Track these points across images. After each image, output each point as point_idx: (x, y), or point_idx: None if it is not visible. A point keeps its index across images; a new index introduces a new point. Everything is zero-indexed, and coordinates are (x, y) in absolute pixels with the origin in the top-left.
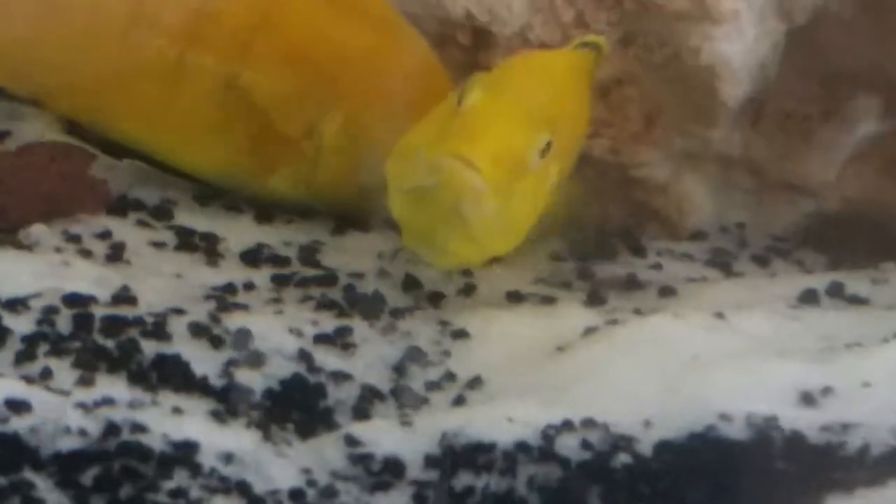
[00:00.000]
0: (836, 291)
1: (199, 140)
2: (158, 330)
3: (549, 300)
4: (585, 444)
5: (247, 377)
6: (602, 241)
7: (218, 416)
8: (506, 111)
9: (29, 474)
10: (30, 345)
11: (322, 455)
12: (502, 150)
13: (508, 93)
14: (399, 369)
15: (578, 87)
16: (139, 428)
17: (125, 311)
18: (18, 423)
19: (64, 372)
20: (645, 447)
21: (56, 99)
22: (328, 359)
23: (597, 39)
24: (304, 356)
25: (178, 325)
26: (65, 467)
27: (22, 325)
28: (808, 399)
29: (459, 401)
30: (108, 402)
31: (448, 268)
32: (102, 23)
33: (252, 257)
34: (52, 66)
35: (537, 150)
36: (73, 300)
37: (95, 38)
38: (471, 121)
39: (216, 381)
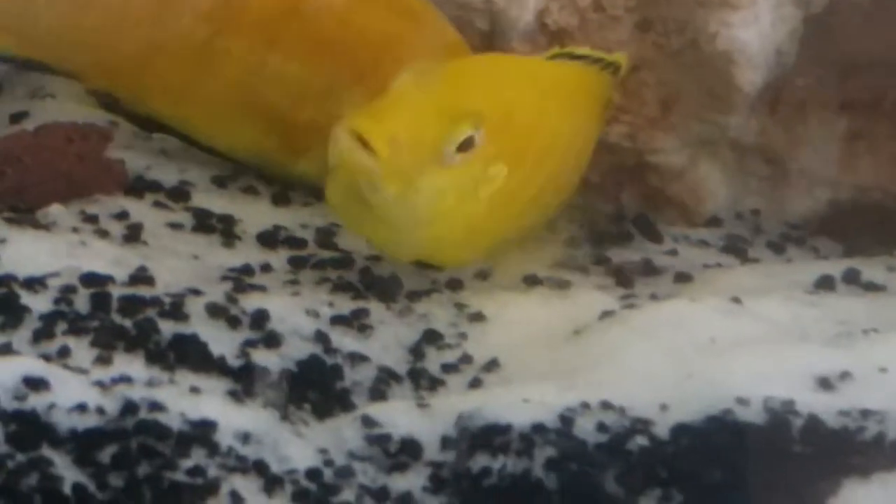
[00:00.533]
0: (852, 278)
1: (227, 121)
2: (176, 310)
3: (565, 284)
4: (602, 427)
5: (264, 358)
6: (618, 226)
7: (235, 396)
8: (420, 99)
9: (47, 451)
10: (48, 323)
11: (339, 435)
12: (403, 133)
13: (434, 83)
14: (415, 351)
15: (562, 99)
16: (157, 407)
17: (143, 291)
18: (36, 401)
19: (82, 351)
20: (661, 430)
21: (93, 75)
22: (345, 340)
23: (617, 58)
24: (320, 337)
25: (195, 306)
26: (82, 445)
27: (40, 303)
28: (825, 384)
29: (476, 383)
30: (125, 380)
31: (394, 257)
32: (137, 4)
33: (269, 239)
34: (89, 45)
35: (452, 143)
36: (90, 280)
37: (130, 19)
38: (381, 103)
39: (233, 362)
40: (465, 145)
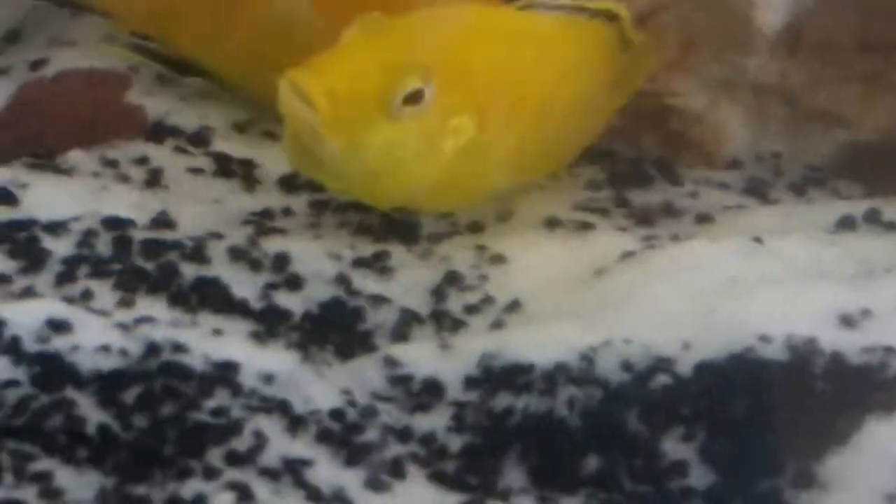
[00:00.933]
0: (872, 217)
1: (252, 69)
2: (198, 253)
3: (586, 226)
4: (625, 366)
5: (286, 300)
6: (639, 168)
7: (258, 338)
8: (366, 52)
9: (71, 393)
10: (70, 267)
11: (362, 376)
12: (344, 86)
13: (382, 35)
14: (437, 293)
15: (537, 50)
16: (180, 348)
17: (164, 235)
18: (60, 343)
19: (104, 293)
20: (684, 368)
21: (127, 17)
22: (366, 282)
23: (611, 7)
24: (342, 280)
25: (216, 249)
26: (106, 386)
27: (62, 247)
28: (847, 321)
29: (498, 324)
30: (148, 322)
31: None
32: None
33: (290, 183)
34: None
35: (397, 96)
36: (112, 223)
37: None
38: (324, 56)
39: (256, 304)
40: (414, 98)
